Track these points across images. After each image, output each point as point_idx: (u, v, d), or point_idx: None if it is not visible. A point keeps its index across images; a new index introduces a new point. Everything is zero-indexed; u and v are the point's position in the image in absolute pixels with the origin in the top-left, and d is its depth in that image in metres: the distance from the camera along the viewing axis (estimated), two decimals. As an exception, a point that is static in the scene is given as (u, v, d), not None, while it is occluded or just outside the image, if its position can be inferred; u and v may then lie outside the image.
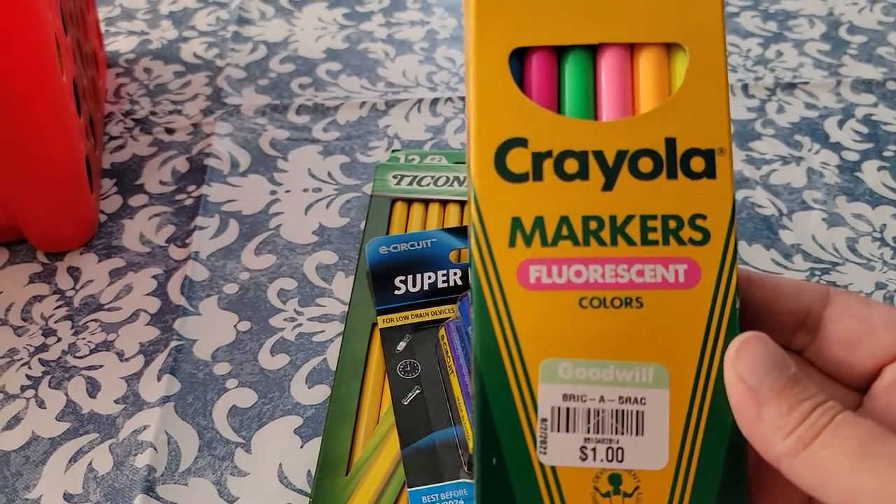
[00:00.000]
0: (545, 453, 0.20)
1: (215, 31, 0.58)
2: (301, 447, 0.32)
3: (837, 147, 0.48)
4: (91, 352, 0.36)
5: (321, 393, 0.34)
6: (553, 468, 0.20)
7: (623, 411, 0.21)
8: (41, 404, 0.34)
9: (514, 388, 0.21)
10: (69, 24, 0.41)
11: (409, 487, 0.30)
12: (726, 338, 0.21)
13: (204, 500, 0.30)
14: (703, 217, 0.21)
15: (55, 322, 0.37)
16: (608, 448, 0.21)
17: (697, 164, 0.22)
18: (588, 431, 0.21)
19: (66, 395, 0.34)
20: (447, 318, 0.35)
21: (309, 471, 0.31)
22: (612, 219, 0.21)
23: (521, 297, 0.21)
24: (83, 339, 0.36)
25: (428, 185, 0.42)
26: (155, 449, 0.32)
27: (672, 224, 0.21)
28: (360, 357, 0.34)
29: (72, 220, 0.40)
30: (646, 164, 0.22)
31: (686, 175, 0.22)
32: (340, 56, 0.55)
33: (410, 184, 0.43)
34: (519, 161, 0.21)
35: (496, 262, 0.21)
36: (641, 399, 0.21)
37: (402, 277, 0.37)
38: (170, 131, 0.48)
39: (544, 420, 0.21)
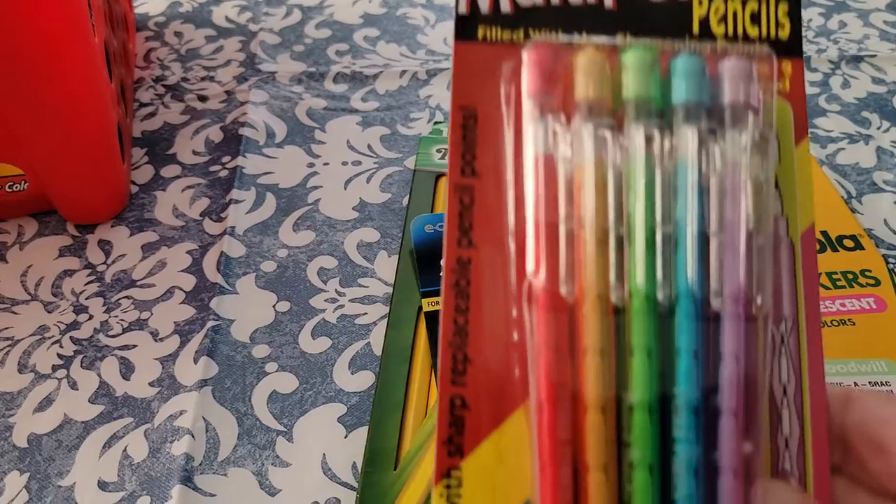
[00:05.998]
0: None
1: (248, -7, 0.55)
2: (345, 437, 0.30)
3: (909, 125, 0.45)
4: (124, 330, 0.34)
5: (365, 379, 0.32)
6: None
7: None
8: (73, 385, 0.32)
9: None
10: (100, -16, 0.39)
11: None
12: None
13: (244, 492, 0.29)
14: (870, 270, 0.33)
15: (86, 298, 0.35)
16: None
17: (849, 243, 0.35)
18: None
19: (99, 375, 0.33)
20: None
21: (354, 463, 0.30)
22: None
23: None
24: (115, 316, 0.35)
25: (474, 159, 0.40)
26: (192, 436, 0.30)
27: (850, 276, 0.33)
28: (406, 342, 0.33)
29: (103, 190, 0.39)
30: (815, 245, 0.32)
31: (844, 249, 0.34)
32: (378, 22, 0.53)
33: (456, 158, 0.40)
34: None
35: None
36: (886, 382, 0.29)
37: (449, 258, 0.35)
38: (202, 99, 0.46)
39: None
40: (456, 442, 0.19)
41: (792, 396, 0.20)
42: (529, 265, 0.19)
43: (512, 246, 0.20)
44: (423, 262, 0.34)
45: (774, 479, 0.19)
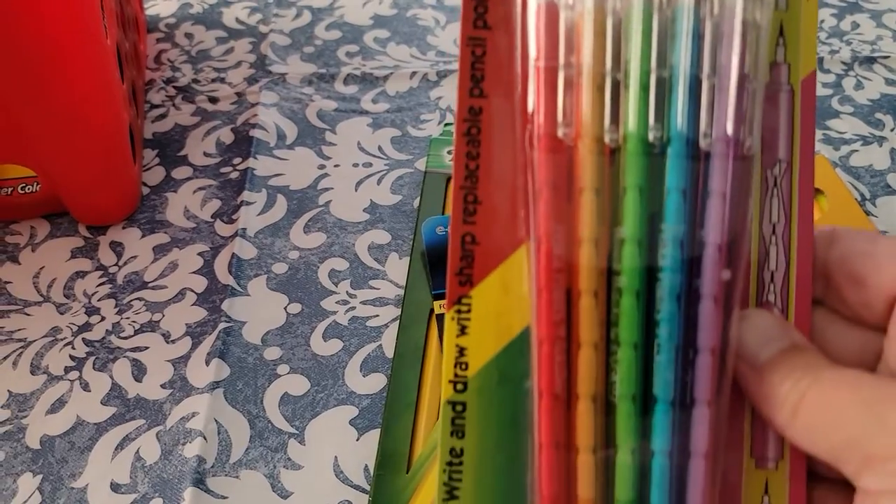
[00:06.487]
0: None
1: (258, -5, 0.55)
2: (357, 440, 0.30)
3: (923, 127, 0.44)
4: (136, 332, 0.34)
5: (377, 382, 0.32)
6: None
7: None
8: (85, 387, 0.32)
9: None
10: (112, -14, 0.39)
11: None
12: None
13: (256, 494, 0.29)
14: None
15: (98, 300, 0.36)
16: None
17: None
18: None
19: (111, 377, 0.33)
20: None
21: (366, 465, 0.29)
22: None
23: None
24: (127, 318, 0.35)
25: (485, 161, 0.40)
26: (205, 438, 0.30)
27: None
28: (418, 345, 0.33)
29: (115, 191, 0.39)
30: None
31: None
32: (388, 23, 0.53)
33: (467, 160, 0.40)
34: None
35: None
36: None
37: (461, 260, 0.34)
38: (213, 100, 0.46)
39: None
40: (466, 273, 0.21)
41: (781, 234, 0.21)
42: (531, 109, 0.20)
43: (519, 92, 0.21)
44: (435, 264, 0.34)
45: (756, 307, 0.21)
